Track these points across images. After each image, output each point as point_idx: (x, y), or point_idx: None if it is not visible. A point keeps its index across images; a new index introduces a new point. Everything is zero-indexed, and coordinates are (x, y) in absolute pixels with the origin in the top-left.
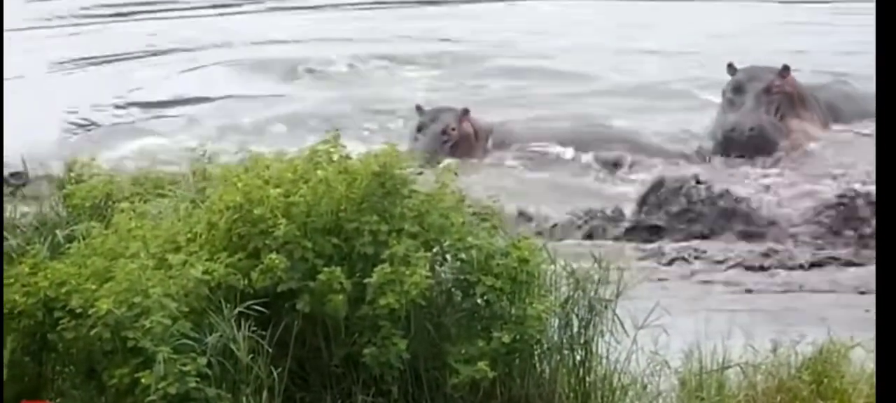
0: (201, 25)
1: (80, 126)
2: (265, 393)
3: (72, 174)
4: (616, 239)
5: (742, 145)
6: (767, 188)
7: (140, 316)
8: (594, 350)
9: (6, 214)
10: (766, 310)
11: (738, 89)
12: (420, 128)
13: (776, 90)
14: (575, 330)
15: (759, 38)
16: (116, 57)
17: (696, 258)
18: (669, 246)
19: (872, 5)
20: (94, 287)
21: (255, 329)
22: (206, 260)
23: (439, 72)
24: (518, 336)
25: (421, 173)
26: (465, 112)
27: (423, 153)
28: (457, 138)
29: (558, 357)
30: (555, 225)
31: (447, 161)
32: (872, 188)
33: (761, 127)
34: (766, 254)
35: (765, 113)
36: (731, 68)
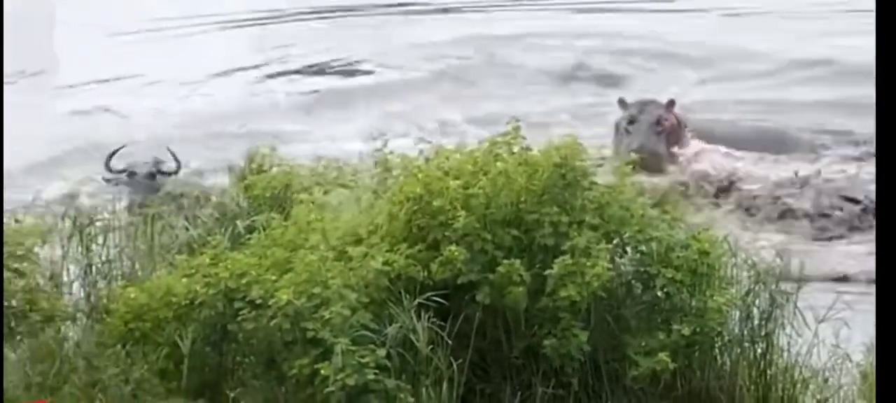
0: None
1: None
2: (445, 385)
3: (252, 165)
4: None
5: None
6: None
7: (319, 306)
8: (775, 342)
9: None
10: None
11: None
12: (631, 122)
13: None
14: (756, 322)
15: None
16: None
17: None
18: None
19: None
20: (274, 277)
21: (434, 320)
22: (386, 251)
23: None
24: (698, 329)
25: (600, 165)
26: (672, 102)
27: (638, 145)
28: (669, 128)
29: (739, 350)
30: None
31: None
32: None
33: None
34: None
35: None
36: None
